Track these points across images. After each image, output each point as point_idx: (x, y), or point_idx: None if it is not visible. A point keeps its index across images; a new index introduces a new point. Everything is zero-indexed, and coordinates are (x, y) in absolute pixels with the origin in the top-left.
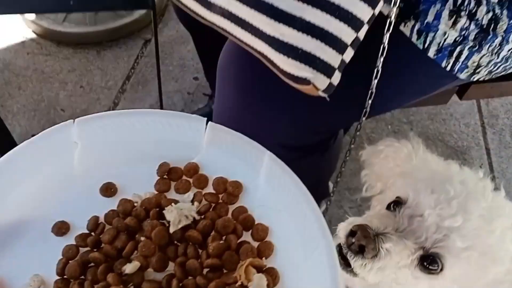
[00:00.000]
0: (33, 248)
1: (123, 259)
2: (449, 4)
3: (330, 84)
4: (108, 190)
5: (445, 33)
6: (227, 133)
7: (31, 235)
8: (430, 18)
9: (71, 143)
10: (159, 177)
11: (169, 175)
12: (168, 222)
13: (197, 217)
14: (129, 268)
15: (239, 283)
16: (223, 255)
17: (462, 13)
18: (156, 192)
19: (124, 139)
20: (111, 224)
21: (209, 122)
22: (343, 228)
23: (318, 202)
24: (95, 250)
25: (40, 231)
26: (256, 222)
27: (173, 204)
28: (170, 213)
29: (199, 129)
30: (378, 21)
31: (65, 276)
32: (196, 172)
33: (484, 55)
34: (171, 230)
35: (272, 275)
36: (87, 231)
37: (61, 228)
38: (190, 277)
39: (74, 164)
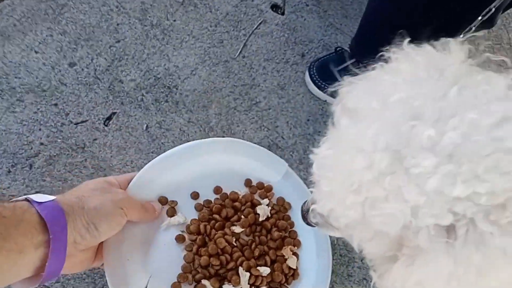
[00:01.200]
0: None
1: (230, 222)
2: None
3: None
4: (219, 189)
5: None
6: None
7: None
8: None
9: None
10: (249, 187)
11: (255, 186)
12: (258, 214)
13: (269, 215)
14: (236, 229)
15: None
16: (277, 240)
17: None
18: (250, 193)
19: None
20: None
21: (287, 168)
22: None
23: None
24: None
25: (184, 195)
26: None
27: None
28: (261, 209)
29: (281, 170)
30: None
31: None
32: (270, 190)
33: None
34: (260, 219)
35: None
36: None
37: (195, 196)
38: (259, 245)
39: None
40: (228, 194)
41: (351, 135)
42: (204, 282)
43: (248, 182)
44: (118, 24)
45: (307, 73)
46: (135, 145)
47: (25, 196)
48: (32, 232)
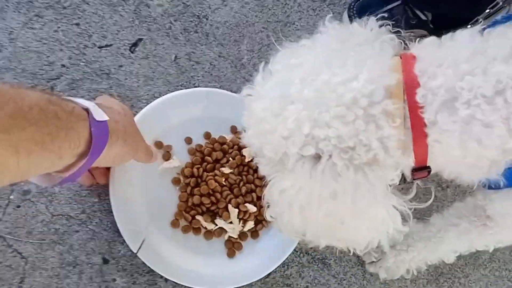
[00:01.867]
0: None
1: (219, 164)
2: None
3: None
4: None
5: None
6: None
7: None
8: None
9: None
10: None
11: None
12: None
13: None
14: (225, 170)
15: None
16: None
17: None
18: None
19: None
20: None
21: None
22: None
23: None
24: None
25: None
26: None
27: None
28: (246, 151)
29: None
30: None
31: None
32: None
33: None
34: (246, 160)
35: None
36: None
37: (189, 140)
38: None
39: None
40: (217, 138)
41: (262, 91)
42: (198, 217)
43: (233, 129)
44: None
45: (345, 14)
46: (163, 76)
47: (87, 105)
48: (77, 143)
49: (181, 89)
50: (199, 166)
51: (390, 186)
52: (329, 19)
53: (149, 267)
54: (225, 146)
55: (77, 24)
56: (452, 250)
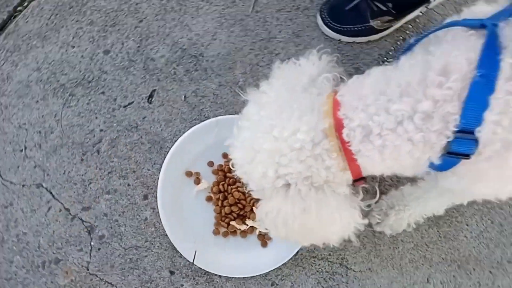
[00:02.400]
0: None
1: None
2: None
3: None
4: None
5: None
6: None
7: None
8: None
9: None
10: None
11: None
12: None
13: None
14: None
15: None
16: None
17: None
18: None
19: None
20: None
21: None
22: None
23: None
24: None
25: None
26: None
27: None
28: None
29: None
30: None
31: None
32: None
33: None
34: None
35: None
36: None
37: (211, 164)
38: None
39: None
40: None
41: (237, 143)
42: (232, 223)
43: (224, 155)
44: (137, 4)
45: (318, 17)
46: (179, 116)
47: None
48: None
49: (196, 123)
50: (223, 182)
51: (346, 195)
52: (277, 65)
53: (205, 270)
54: None
55: (103, 93)
56: (438, 206)
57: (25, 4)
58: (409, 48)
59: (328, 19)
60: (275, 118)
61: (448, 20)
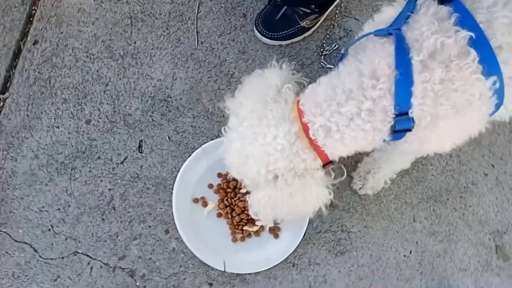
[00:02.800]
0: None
1: (238, 188)
2: None
3: None
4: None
5: None
6: None
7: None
8: None
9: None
10: None
11: None
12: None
13: None
14: (243, 190)
15: None
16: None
17: None
18: None
19: None
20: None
21: None
22: None
23: None
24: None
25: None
26: None
27: None
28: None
29: None
30: None
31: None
32: None
33: None
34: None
35: None
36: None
37: (210, 186)
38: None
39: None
40: (226, 173)
41: (228, 151)
42: (245, 228)
43: (219, 174)
44: (97, 71)
45: (255, 31)
46: (169, 155)
47: None
48: None
49: (186, 156)
50: (226, 198)
51: (322, 177)
52: (247, 78)
53: (236, 273)
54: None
55: (99, 157)
56: (404, 162)
57: (1, 104)
58: (343, 56)
59: (264, 30)
60: (257, 127)
61: (365, 32)
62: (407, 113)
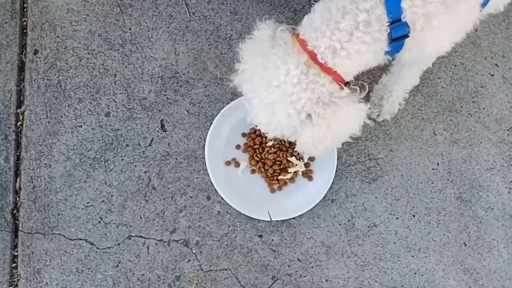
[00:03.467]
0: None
1: (264, 143)
2: None
3: None
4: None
5: None
6: None
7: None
8: None
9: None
10: None
11: None
12: None
13: None
14: (269, 143)
15: None
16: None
17: None
18: None
19: None
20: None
21: None
22: None
23: None
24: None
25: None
26: None
27: None
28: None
29: None
30: None
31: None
32: None
33: None
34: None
35: None
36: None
37: (238, 146)
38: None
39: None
40: (249, 132)
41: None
42: (280, 177)
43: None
44: (102, 64)
45: None
46: (192, 127)
47: None
48: None
49: (208, 125)
50: (255, 154)
51: (348, 95)
52: (239, 46)
53: (281, 220)
54: (257, 131)
55: (127, 145)
56: (413, 78)
57: (21, 117)
58: None
59: None
60: (267, 75)
61: None
62: (400, 19)
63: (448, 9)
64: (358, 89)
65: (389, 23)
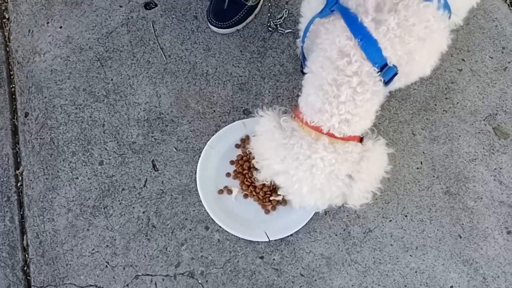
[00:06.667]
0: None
1: (252, 168)
2: None
3: None
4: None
5: None
6: None
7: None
8: None
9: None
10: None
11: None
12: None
13: None
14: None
15: None
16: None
17: None
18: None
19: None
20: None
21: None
22: None
23: None
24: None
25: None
26: None
27: None
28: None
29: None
30: None
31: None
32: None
33: None
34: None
35: None
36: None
37: (228, 174)
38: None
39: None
40: (237, 158)
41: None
42: (272, 198)
43: (243, 141)
44: (90, 117)
45: (210, 26)
46: (182, 163)
47: None
48: None
49: (197, 159)
50: (245, 179)
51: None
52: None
53: (279, 238)
54: (244, 157)
55: (123, 189)
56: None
57: (20, 178)
58: (303, 53)
59: (218, 23)
60: (300, 164)
61: (305, 15)
62: (386, 64)
63: (424, 42)
64: (370, 132)
65: (379, 73)
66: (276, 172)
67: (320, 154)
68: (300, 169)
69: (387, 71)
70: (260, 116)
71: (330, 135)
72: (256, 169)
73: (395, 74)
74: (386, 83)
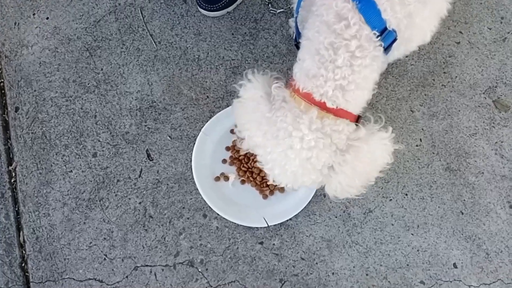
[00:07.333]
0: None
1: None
2: None
3: None
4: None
5: None
6: None
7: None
8: None
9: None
10: None
11: None
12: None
13: None
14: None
15: None
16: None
17: None
18: None
19: None
20: None
21: None
22: None
23: None
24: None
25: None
26: None
27: None
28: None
29: None
30: None
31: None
32: None
33: None
34: None
35: None
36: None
37: (224, 160)
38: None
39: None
40: (232, 144)
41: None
42: (269, 183)
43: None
44: (81, 108)
45: (200, 9)
46: (177, 151)
47: None
48: None
49: (192, 146)
50: (242, 165)
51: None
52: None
53: (278, 223)
54: None
55: (118, 180)
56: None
57: (13, 174)
58: (297, 27)
59: (208, 6)
60: (280, 142)
61: None
62: (386, 29)
63: (425, 4)
64: (372, 118)
65: (378, 37)
66: (256, 145)
67: (301, 132)
68: (276, 148)
69: (386, 36)
70: (248, 80)
71: (322, 104)
72: (240, 139)
73: (395, 39)
74: (385, 49)
